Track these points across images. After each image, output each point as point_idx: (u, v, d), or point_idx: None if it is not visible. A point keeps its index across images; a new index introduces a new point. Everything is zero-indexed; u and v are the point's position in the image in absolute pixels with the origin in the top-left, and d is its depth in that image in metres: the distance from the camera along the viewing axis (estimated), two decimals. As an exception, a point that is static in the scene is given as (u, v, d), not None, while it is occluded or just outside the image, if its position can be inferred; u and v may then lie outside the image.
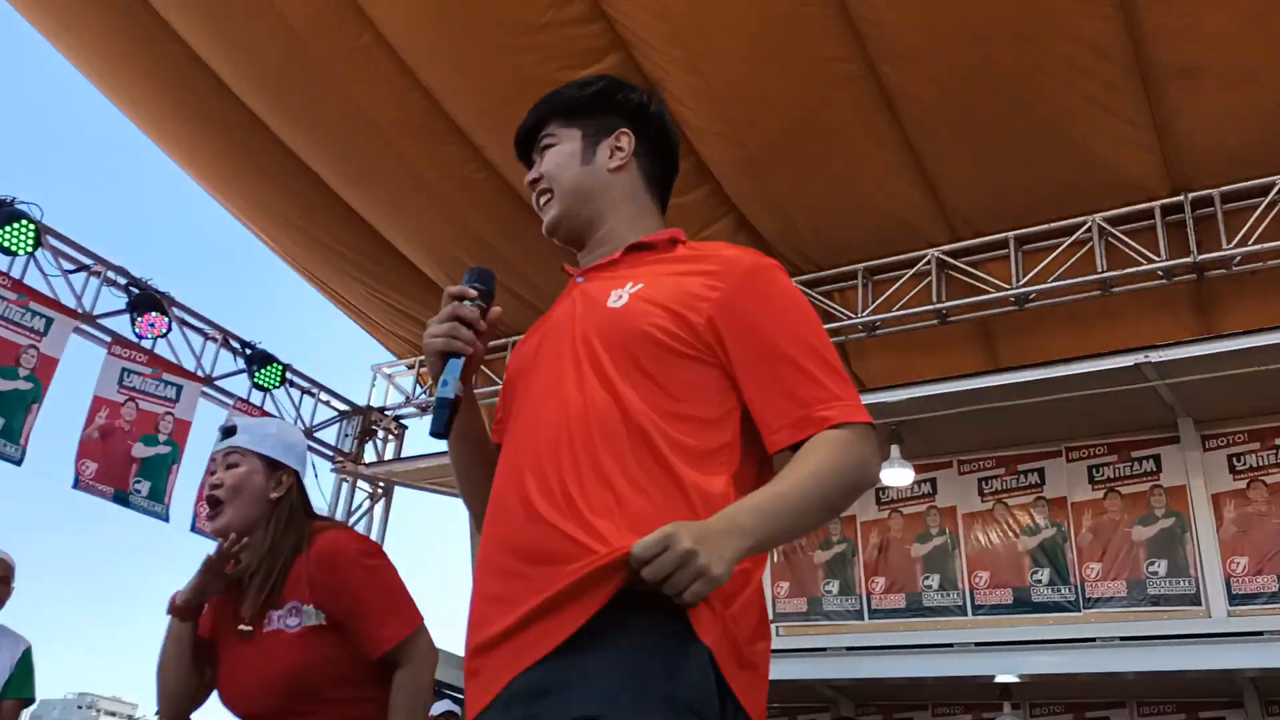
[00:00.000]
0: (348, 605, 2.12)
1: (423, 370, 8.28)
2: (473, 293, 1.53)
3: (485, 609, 1.39)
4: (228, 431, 2.32)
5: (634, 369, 1.43)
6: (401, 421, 8.58)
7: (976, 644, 6.68)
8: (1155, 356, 5.52)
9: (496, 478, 1.49)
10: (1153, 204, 5.76)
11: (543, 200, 1.66)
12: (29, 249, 5.96)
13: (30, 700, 4.26)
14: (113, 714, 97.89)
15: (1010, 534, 6.91)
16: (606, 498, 1.35)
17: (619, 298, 1.50)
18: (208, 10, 5.51)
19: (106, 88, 6.39)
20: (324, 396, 8.14)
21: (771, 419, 1.43)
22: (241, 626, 2.14)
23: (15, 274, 5.99)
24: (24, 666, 4.25)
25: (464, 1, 5.11)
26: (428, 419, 7.26)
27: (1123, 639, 6.23)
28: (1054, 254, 5.94)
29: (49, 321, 6.03)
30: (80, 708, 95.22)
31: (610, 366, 1.44)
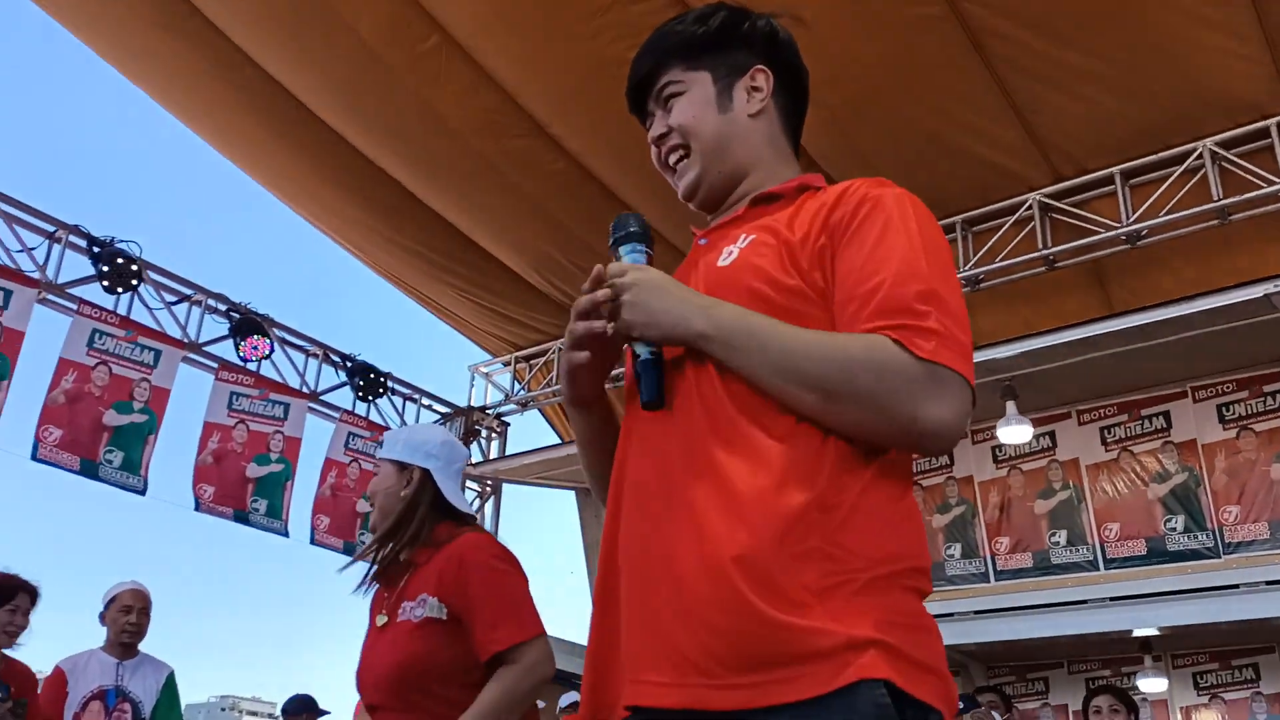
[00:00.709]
0: (468, 601, 2.13)
1: (520, 367, 8.31)
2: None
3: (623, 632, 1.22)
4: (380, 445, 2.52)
5: None
6: (503, 419, 8.63)
7: (1111, 599, 6.46)
8: (1284, 284, 5.20)
9: (626, 474, 1.30)
10: (1267, 122, 5.41)
11: (674, 158, 1.43)
12: (132, 286, 6.14)
13: None
14: (254, 713, 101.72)
15: (1139, 482, 6.64)
16: (728, 512, 1.15)
17: (729, 254, 1.33)
18: (279, 31, 5.55)
19: (189, 119, 6.51)
20: (425, 401, 8.24)
21: (847, 307, 1.21)
22: (378, 618, 2.22)
23: (121, 310, 6.18)
24: (169, 692, 4.37)
25: (528, -8, 5.05)
26: (529, 415, 7.16)
27: (1269, 583, 5.92)
28: (1164, 185, 5.63)
29: (158, 354, 6.22)
30: (223, 710, 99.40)
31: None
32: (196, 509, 6.33)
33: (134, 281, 6.16)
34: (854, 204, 1.28)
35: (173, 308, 6.57)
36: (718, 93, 1.42)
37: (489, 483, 8.50)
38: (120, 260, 6.10)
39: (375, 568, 2.28)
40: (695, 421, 1.23)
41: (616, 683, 1.21)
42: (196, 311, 6.68)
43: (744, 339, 1.20)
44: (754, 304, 1.24)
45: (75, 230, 6.12)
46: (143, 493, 6.02)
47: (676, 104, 1.43)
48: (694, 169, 1.42)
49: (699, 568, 1.13)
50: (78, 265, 6.13)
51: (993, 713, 5.45)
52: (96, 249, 6.10)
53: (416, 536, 2.25)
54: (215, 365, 6.68)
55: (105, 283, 6.04)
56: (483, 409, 8.52)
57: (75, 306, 6.01)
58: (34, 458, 5.63)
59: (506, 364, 8.39)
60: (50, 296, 5.99)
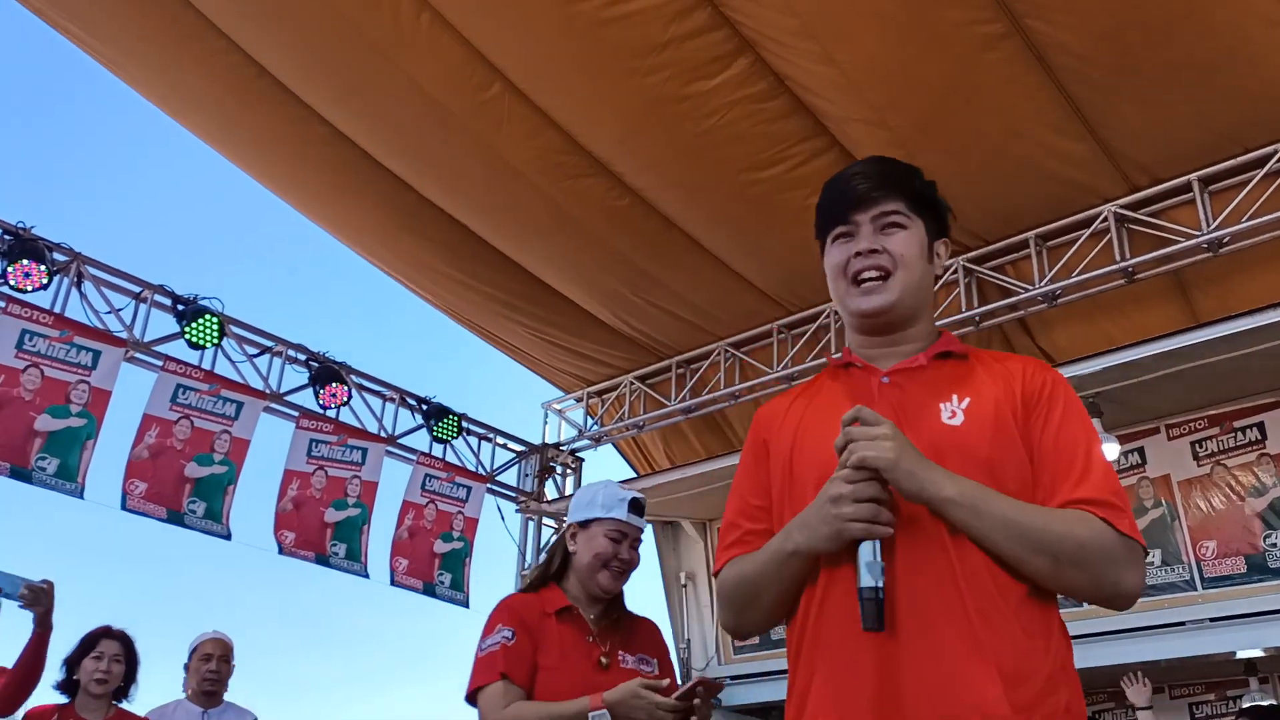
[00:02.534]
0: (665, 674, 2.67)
1: (592, 402, 8.33)
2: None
3: None
4: (638, 508, 2.80)
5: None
6: (577, 455, 8.65)
7: (1211, 619, 6.21)
8: (1377, 285, 5.00)
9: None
10: (1351, 118, 5.23)
11: (870, 275, 1.59)
12: (215, 341, 6.32)
13: None
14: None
15: (1234, 497, 6.39)
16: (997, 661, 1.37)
17: (952, 414, 1.50)
18: (346, 87, 5.71)
19: (263, 177, 6.71)
20: (500, 440, 8.30)
21: (1049, 487, 1.46)
22: (601, 658, 2.58)
23: (205, 365, 6.36)
24: None
25: (585, 34, 5.10)
26: (603, 449, 7.15)
27: (1379, 599, 5.66)
28: (1246, 190, 5.44)
29: (239, 405, 6.38)
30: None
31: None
32: (280, 553, 6.47)
33: (217, 336, 6.33)
34: (1040, 384, 1.54)
35: (254, 360, 6.75)
36: (928, 244, 1.64)
37: (565, 519, 8.50)
38: (205, 316, 6.28)
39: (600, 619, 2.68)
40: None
41: None
42: (278, 363, 6.85)
43: (986, 506, 1.39)
44: (988, 469, 1.44)
45: (160, 290, 6.33)
46: (228, 538, 6.19)
47: (898, 235, 1.60)
48: (892, 294, 1.58)
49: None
50: (163, 323, 6.34)
51: None
52: (181, 307, 6.29)
53: (569, 576, 2.73)
54: (296, 414, 6.83)
55: (189, 338, 6.22)
56: (556, 445, 8.55)
57: (160, 364, 6.20)
58: (123, 508, 5.83)
59: (579, 400, 8.42)
60: (137, 355, 6.19)
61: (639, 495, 2.76)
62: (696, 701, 2.36)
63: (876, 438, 1.40)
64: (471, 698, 2.51)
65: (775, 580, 1.52)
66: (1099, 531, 1.39)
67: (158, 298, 6.32)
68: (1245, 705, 5.93)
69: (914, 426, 1.48)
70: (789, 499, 1.55)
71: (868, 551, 1.40)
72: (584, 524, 2.71)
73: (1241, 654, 6.30)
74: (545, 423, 8.66)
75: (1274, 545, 6.17)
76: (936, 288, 1.68)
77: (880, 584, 1.38)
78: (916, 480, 1.39)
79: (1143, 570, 1.45)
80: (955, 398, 1.51)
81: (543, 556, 8.27)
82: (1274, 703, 5.08)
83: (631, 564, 2.68)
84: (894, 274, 1.57)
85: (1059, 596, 1.48)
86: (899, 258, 1.57)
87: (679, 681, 2.48)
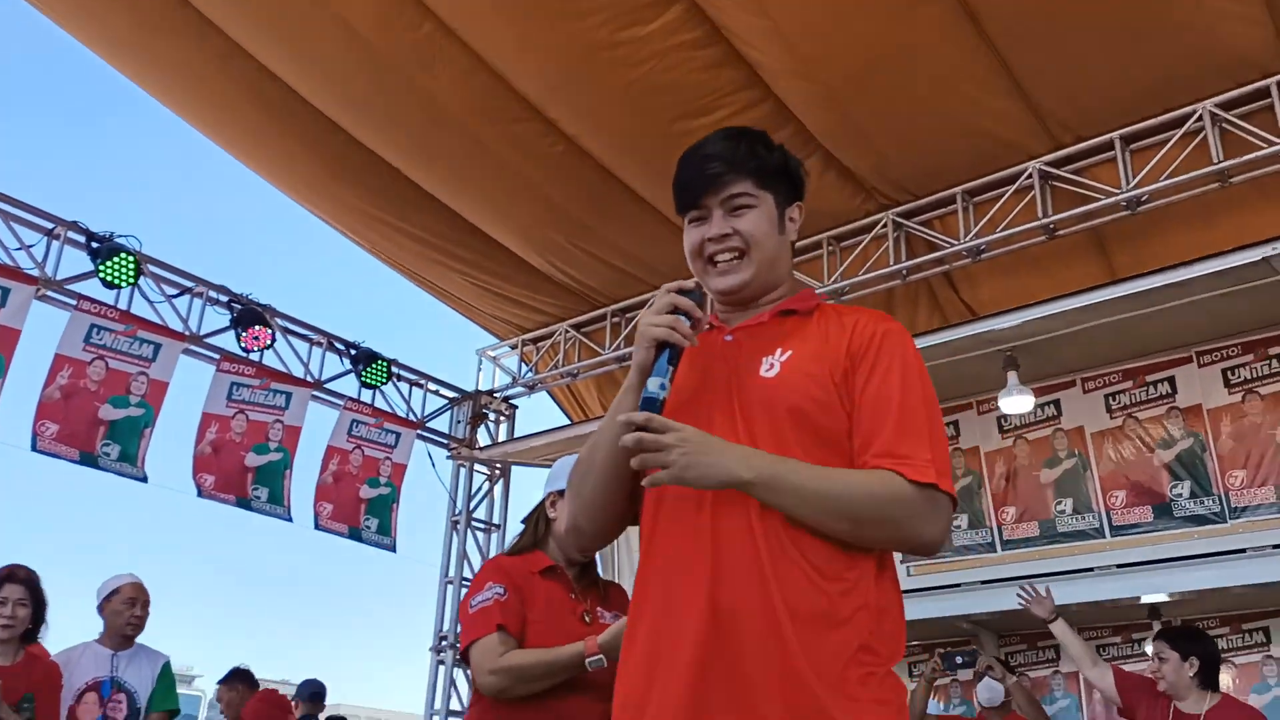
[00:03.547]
0: None
1: (527, 349, 8.31)
2: (692, 285, 1.59)
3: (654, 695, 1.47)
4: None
5: (785, 446, 1.51)
6: (511, 402, 8.64)
7: (1118, 565, 6.45)
8: (1283, 247, 5.16)
9: (659, 554, 1.55)
10: (1268, 81, 5.33)
11: (727, 256, 1.66)
12: (131, 280, 6.15)
13: (175, 711, 4.44)
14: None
15: (1144, 448, 6.61)
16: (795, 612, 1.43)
17: (770, 366, 1.58)
18: (271, 24, 5.53)
19: (185, 112, 6.50)
20: (432, 386, 8.25)
21: (861, 442, 1.52)
22: (584, 614, 2.66)
23: (122, 305, 6.18)
24: (165, 680, 4.44)
25: (518, -26, 5.01)
26: (537, 397, 7.21)
27: (1275, 547, 5.91)
28: (1165, 149, 5.58)
29: (157, 347, 6.23)
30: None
31: (770, 444, 1.51)
32: (199, 495, 6.39)
33: (133, 276, 6.16)
34: (866, 338, 1.59)
35: (173, 300, 6.58)
36: (778, 217, 1.69)
37: (498, 466, 8.52)
38: (120, 255, 6.09)
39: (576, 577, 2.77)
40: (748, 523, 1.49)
41: None
42: (198, 304, 6.69)
43: (781, 483, 1.45)
44: (795, 419, 1.52)
45: (74, 226, 6.12)
46: (144, 480, 6.10)
47: (747, 215, 1.66)
48: (746, 273, 1.66)
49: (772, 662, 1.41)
50: (76, 261, 6.15)
51: (989, 671, 5.48)
52: (95, 244, 6.10)
53: (545, 547, 2.81)
54: (217, 357, 6.69)
55: (103, 277, 6.03)
56: (490, 393, 8.52)
57: (74, 303, 6.02)
58: (34, 449, 5.69)
59: (514, 347, 8.39)
60: (49, 293, 6.00)
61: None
62: None
63: (663, 448, 1.46)
64: (465, 653, 2.61)
65: (608, 443, 1.61)
66: (896, 488, 1.45)
67: (71, 234, 6.11)
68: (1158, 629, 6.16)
69: (740, 381, 1.58)
70: None
71: (665, 364, 1.52)
72: (563, 492, 2.75)
73: (1146, 599, 6.54)
74: (479, 369, 8.62)
75: (1179, 495, 6.40)
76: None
77: (662, 396, 1.49)
78: (708, 478, 1.46)
79: (946, 520, 1.50)
80: (779, 351, 1.59)
81: (474, 502, 8.31)
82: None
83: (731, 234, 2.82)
84: (747, 254, 1.65)
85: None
86: (749, 238, 1.64)
87: None
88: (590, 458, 1.66)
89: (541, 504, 2.88)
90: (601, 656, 2.44)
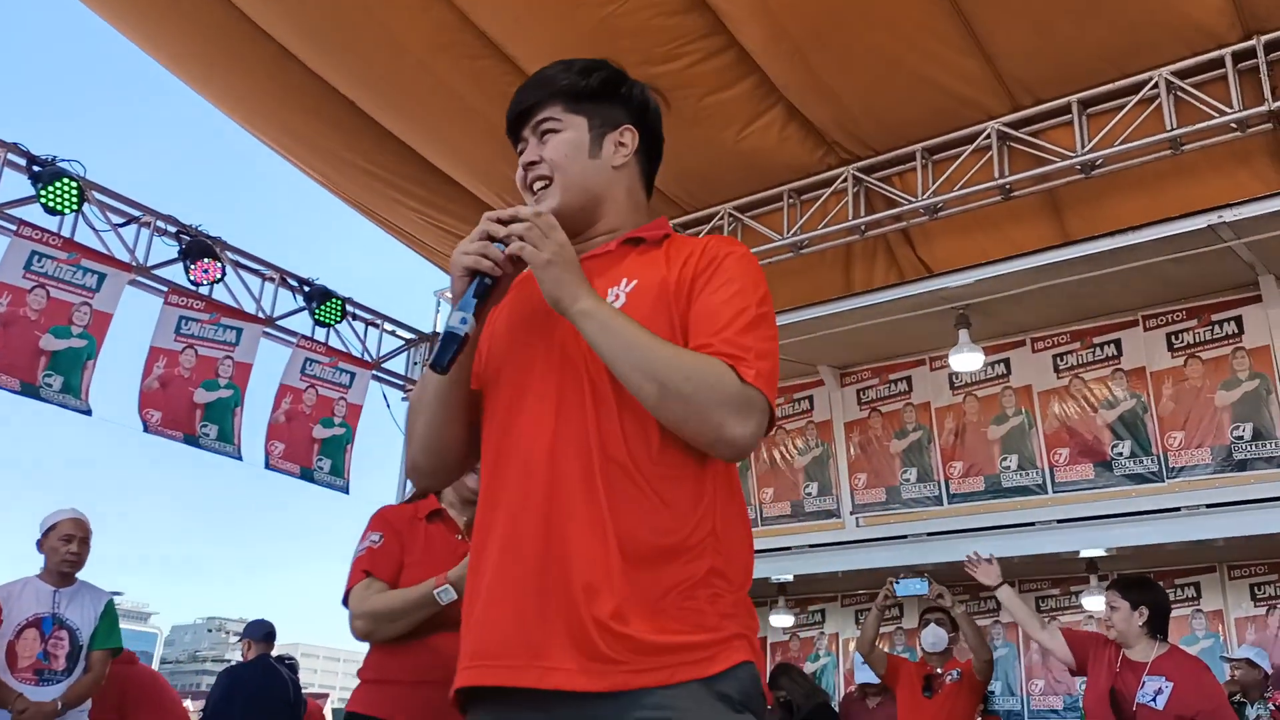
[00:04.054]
0: None
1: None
2: (511, 213, 1.49)
3: (494, 619, 1.45)
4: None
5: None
6: (464, 344, 8.58)
7: (1059, 520, 6.61)
8: (1229, 215, 5.20)
9: (494, 480, 1.52)
10: (1223, 51, 5.39)
11: (537, 186, 1.62)
12: (74, 206, 5.99)
13: (118, 649, 4.41)
14: (240, 635, 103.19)
15: (1088, 409, 6.75)
16: (604, 539, 1.40)
17: (614, 297, 1.53)
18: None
19: (141, 40, 6.32)
20: (388, 326, 8.18)
21: (694, 341, 1.49)
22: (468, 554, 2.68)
23: (65, 233, 6.03)
24: (108, 618, 4.40)
25: (481, -94, 4.89)
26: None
27: (1209, 506, 6.08)
28: (1120, 115, 5.62)
29: (101, 277, 6.09)
30: (210, 630, 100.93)
31: (606, 382, 1.46)
32: (145, 431, 6.29)
33: (77, 202, 6.00)
34: (709, 259, 1.56)
35: (119, 230, 6.43)
36: (590, 140, 1.63)
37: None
38: (62, 180, 5.93)
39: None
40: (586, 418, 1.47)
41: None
42: (145, 234, 6.54)
43: (616, 324, 1.43)
44: None
45: (14, 149, 5.94)
46: (88, 414, 5.98)
47: (551, 140, 1.62)
48: (554, 200, 1.60)
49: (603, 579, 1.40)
50: (17, 185, 5.95)
51: (939, 599, 5.59)
52: (37, 168, 5.93)
53: None
54: (164, 289, 6.57)
55: (44, 202, 5.87)
56: (444, 334, 8.47)
57: (15, 228, 5.86)
58: None
59: (469, 289, 8.32)
60: (-13, 217, 5.83)
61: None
62: None
63: (547, 234, 1.45)
64: (345, 601, 2.68)
65: (432, 397, 1.59)
66: (716, 371, 1.42)
67: (11, 157, 5.93)
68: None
69: None
70: (486, 366, 1.63)
71: (471, 296, 1.46)
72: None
73: (1085, 553, 6.72)
74: (437, 310, 8.56)
75: (1120, 454, 6.55)
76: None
77: (464, 332, 1.44)
78: (561, 286, 1.45)
79: (757, 425, 1.45)
80: (624, 281, 1.55)
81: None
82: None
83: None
84: (554, 179, 1.61)
85: None
86: (553, 163, 1.61)
87: None
88: (420, 393, 1.62)
89: None
90: (448, 587, 2.49)
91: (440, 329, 8.16)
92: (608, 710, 1.36)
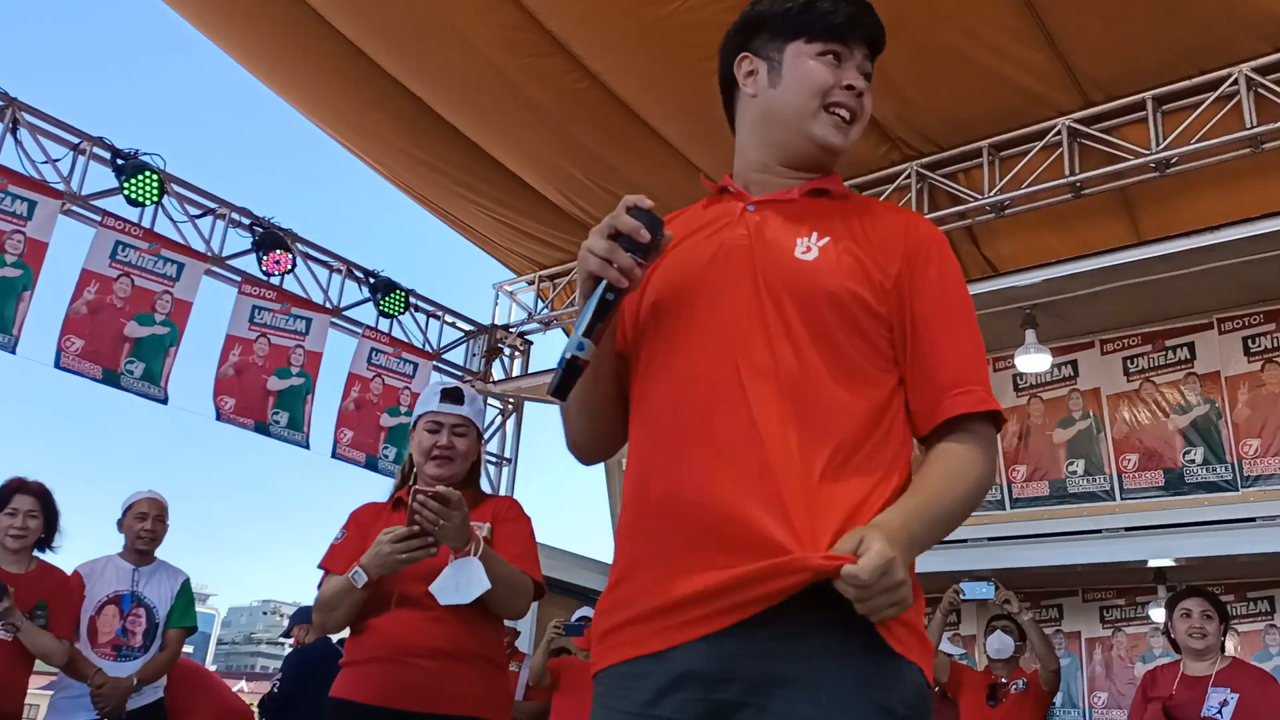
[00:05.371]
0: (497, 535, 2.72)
1: (543, 285, 8.33)
2: (649, 203, 1.37)
3: (645, 570, 1.36)
4: (454, 397, 2.79)
5: (824, 333, 1.38)
6: (526, 338, 8.67)
7: (1126, 529, 6.46)
8: (1313, 216, 5.06)
9: (660, 416, 1.40)
10: (1307, 47, 5.23)
11: (846, 115, 1.51)
12: (155, 199, 6.18)
13: (193, 628, 4.51)
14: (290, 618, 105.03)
15: (1160, 413, 6.58)
16: (805, 481, 1.30)
17: (806, 249, 1.43)
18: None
19: (217, 37, 6.49)
20: (449, 318, 8.28)
21: (928, 368, 1.42)
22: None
23: (145, 224, 6.23)
24: (184, 597, 4.50)
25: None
26: (552, 333, 7.21)
27: (1285, 516, 5.91)
28: (1197, 112, 5.47)
29: (180, 267, 6.28)
30: (265, 613, 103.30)
31: (802, 330, 1.37)
32: (218, 419, 6.45)
33: (157, 194, 6.19)
34: (919, 240, 1.47)
35: (196, 221, 6.62)
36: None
37: (511, 401, 8.59)
38: (144, 173, 6.13)
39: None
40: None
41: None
42: (220, 225, 6.73)
43: (927, 545, 1.32)
44: (831, 305, 1.38)
45: (99, 142, 6.16)
46: (164, 402, 6.14)
47: (867, 86, 1.54)
48: (853, 133, 1.53)
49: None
50: (101, 177, 6.17)
51: (1006, 604, 5.51)
52: (120, 161, 6.14)
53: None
54: (238, 279, 6.75)
55: (128, 194, 6.07)
56: (506, 327, 8.56)
57: (99, 219, 6.07)
58: (57, 365, 5.71)
59: (530, 282, 8.41)
60: (74, 208, 6.05)
61: (457, 384, 2.88)
62: (416, 516, 2.42)
63: (882, 578, 1.22)
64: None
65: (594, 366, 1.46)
66: (982, 458, 1.39)
67: (96, 150, 6.15)
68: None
69: (766, 256, 1.43)
70: (647, 324, 1.49)
71: (589, 312, 1.35)
72: (421, 416, 2.83)
73: (1154, 563, 6.55)
74: (496, 304, 8.66)
75: (1192, 461, 6.38)
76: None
77: (583, 357, 1.33)
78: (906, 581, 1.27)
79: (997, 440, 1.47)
80: (815, 234, 1.44)
81: (486, 435, 8.38)
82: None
83: (452, 449, 2.74)
84: (858, 120, 1.53)
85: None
86: (865, 110, 1.54)
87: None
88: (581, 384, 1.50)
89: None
90: (358, 570, 2.52)
91: (494, 319, 8.29)
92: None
